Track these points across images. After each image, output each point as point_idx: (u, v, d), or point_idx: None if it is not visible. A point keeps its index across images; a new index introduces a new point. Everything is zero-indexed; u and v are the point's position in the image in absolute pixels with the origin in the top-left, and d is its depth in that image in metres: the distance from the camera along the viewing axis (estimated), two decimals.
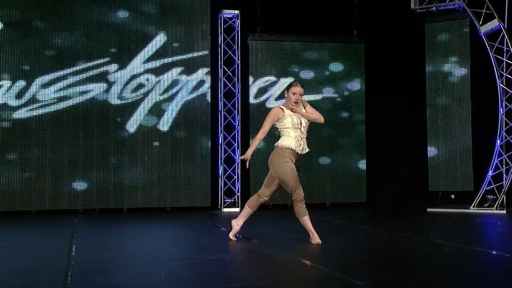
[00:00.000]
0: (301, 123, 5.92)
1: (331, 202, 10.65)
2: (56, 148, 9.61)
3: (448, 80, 10.29)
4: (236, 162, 10.38)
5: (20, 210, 9.44)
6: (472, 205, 9.59)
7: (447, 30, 10.30)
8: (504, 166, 9.49)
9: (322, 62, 10.72)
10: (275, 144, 5.96)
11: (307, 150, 5.99)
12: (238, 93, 10.45)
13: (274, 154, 5.93)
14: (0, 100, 9.42)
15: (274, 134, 6.46)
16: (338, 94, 10.76)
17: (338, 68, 10.78)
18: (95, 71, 9.80)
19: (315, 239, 5.93)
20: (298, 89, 5.93)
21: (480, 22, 9.59)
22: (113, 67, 9.87)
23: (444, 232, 7.36)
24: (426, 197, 10.55)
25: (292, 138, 5.88)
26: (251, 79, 10.46)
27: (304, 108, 6.04)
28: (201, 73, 10.19)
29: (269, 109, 10.11)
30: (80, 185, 9.70)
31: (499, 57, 9.55)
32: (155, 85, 10.01)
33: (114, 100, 9.86)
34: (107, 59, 9.86)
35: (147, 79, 10.00)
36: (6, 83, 9.46)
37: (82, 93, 9.76)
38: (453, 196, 10.50)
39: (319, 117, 6.02)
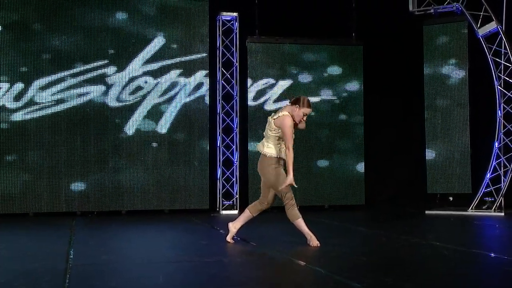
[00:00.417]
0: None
1: (329, 204, 10.65)
2: (54, 150, 9.61)
3: (446, 83, 10.31)
4: (235, 165, 10.38)
5: (18, 213, 9.43)
6: (470, 207, 9.60)
7: (445, 32, 10.31)
8: (502, 168, 9.49)
9: (320, 64, 10.73)
10: (263, 153, 5.93)
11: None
12: (236, 95, 10.45)
13: (262, 163, 5.94)
14: None
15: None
16: (336, 96, 10.77)
17: (337, 70, 10.79)
18: (94, 74, 9.80)
19: (313, 241, 5.93)
20: (310, 111, 5.96)
21: (478, 25, 9.60)
22: (111, 69, 9.87)
23: (442, 234, 7.36)
24: (424, 199, 10.56)
25: (280, 147, 5.90)
26: (249, 81, 10.47)
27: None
28: (200, 76, 10.19)
29: (268, 111, 10.24)
30: (78, 188, 9.69)
31: (497, 59, 9.56)
32: (153, 88, 10.01)
33: (113, 103, 9.86)
34: (106, 61, 9.86)
35: (146, 82, 10.00)
36: (4, 86, 9.46)
37: (81, 95, 9.75)
38: (451, 198, 10.51)
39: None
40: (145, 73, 10.00)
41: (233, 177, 10.40)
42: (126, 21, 9.96)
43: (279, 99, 10.51)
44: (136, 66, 9.96)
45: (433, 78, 10.39)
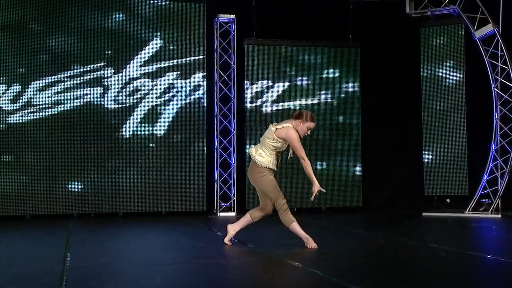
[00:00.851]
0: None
1: (327, 206, 10.65)
2: (51, 152, 9.59)
3: (443, 85, 10.33)
4: (232, 167, 10.38)
5: (15, 215, 9.40)
6: (467, 209, 9.61)
7: (442, 34, 10.34)
8: (499, 170, 9.51)
9: (317, 66, 10.74)
10: (253, 159, 5.93)
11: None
12: (233, 97, 10.46)
13: (252, 170, 5.95)
14: None
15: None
16: (333, 98, 10.78)
17: (334, 72, 10.80)
18: (91, 75, 9.79)
19: (311, 243, 5.93)
20: (314, 125, 5.98)
21: (475, 27, 9.62)
22: (108, 71, 9.86)
23: (439, 236, 7.36)
24: (421, 201, 10.57)
25: (273, 158, 5.90)
26: (247, 83, 10.47)
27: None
28: (197, 78, 10.19)
29: (265, 113, 10.25)
30: (75, 190, 9.67)
31: (493, 61, 9.58)
32: (151, 90, 10.01)
33: (110, 104, 9.85)
34: (103, 63, 9.85)
35: (143, 84, 10.00)
36: (1, 87, 9.44)
37: (78, 97, 9.74)
38: (448, 200, 10.53)
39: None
40: (143, 75, 9.99)
41: (231, 179, 10.39)
42: (124, 23, 9.95)
43: (276, 101, 10.53)
44: (133, 68, 9.95)
45: (430, 80, 10.41)
